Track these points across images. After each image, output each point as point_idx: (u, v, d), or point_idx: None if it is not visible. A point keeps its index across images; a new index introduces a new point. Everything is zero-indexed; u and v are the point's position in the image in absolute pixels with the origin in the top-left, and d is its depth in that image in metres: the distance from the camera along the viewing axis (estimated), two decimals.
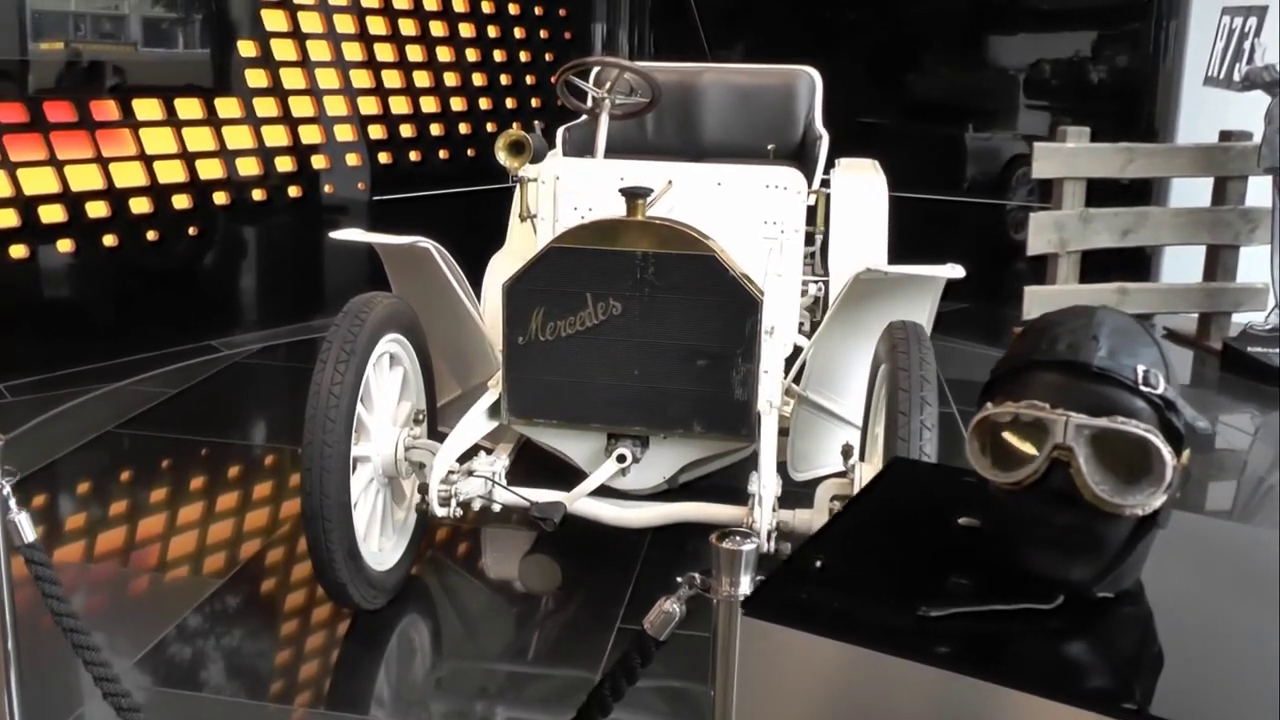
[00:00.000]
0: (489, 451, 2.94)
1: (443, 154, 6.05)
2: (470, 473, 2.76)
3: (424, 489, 2.68)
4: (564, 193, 3.10)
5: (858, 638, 1.08)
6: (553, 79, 3.60)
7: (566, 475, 2.87)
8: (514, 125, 3.63)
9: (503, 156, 3.22)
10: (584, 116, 3.84)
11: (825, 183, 3.79)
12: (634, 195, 2.69)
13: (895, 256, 3.67)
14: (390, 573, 2.83)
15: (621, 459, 2.74)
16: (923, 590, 1.18)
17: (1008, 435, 1.23)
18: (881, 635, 1.09)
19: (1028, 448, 1.21)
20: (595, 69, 3.68)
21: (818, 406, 3.05)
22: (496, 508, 2.78)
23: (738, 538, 1.64)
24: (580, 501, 2.72)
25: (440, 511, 2.67)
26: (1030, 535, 1.21)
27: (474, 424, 2.78)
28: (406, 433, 2.80)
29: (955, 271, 2.81)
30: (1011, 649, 1.14)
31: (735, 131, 4.09)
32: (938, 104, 6.67)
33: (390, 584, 2.82)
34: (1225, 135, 5.29)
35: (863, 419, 2.84)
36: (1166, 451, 1.18)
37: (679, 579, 1.68)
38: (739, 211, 3.01)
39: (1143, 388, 1.21)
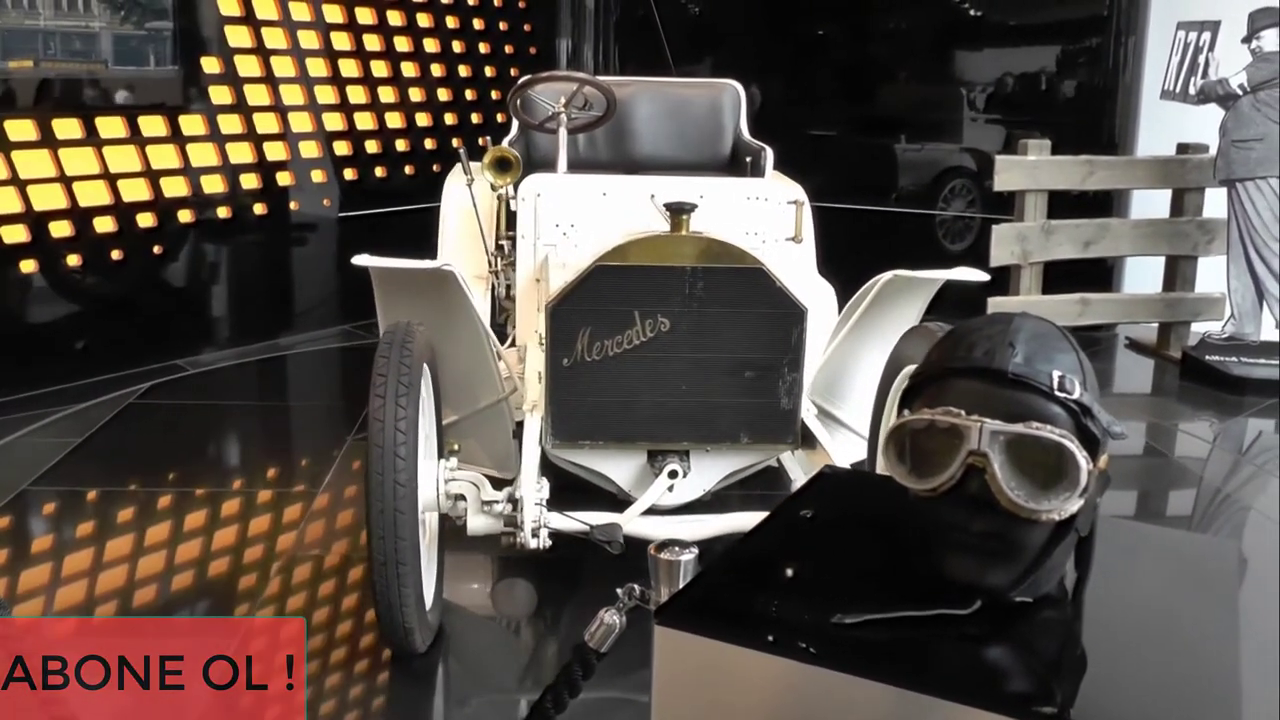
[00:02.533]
0: (509, 481, 2.85)
1: (408, 170, 6.05)
2: (514, 501, 2.68)
3: (512, 522, 2.60)
4: (545, 210, 3.10)
5: (771, 645, 1.08)
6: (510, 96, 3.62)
7: (592, 495, 2.84)
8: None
9: (490, 174, 3.21)
10: (515, 131, 3.86)
11: None
12: (679, 210, 2.68)
13: (840, 268, 3.73)
14: (434, 611, 2.74)
15: (674, 475, 2.73)
16: (841, 597, 1.19)
17: (926, 442, 1.24)
18: (795, 642, 1.10)
19: (945, 454, 1.22)
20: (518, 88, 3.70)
21: (822, 412, 3.08)
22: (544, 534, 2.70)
23: (676, 548, 1.66)
24: (635, 521, 2.69)
25: (532, 544, 2.61)
26: (948, 541, 1.22)
27: (535, 452, 2.71)
28: (444, 465, 2.71)
29: (979, 275, 2.91)
30: (928, 655, 1.15)
31: (666, 144, 4.10)
32: (892, 118, 6.75)
33: (435, 623, 2.74)
34: (1182, 148, 5.36)
35: (871, 423, 2.86)
36: (1081, 456, 1.20)
37: (619, 590, 1.69)
38: (723, 223, 3.01)
39: (1058, 393, 1.23)
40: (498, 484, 2.77)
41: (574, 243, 3.11)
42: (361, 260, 2.80)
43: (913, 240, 6.47)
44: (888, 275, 2.88)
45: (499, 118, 6.43)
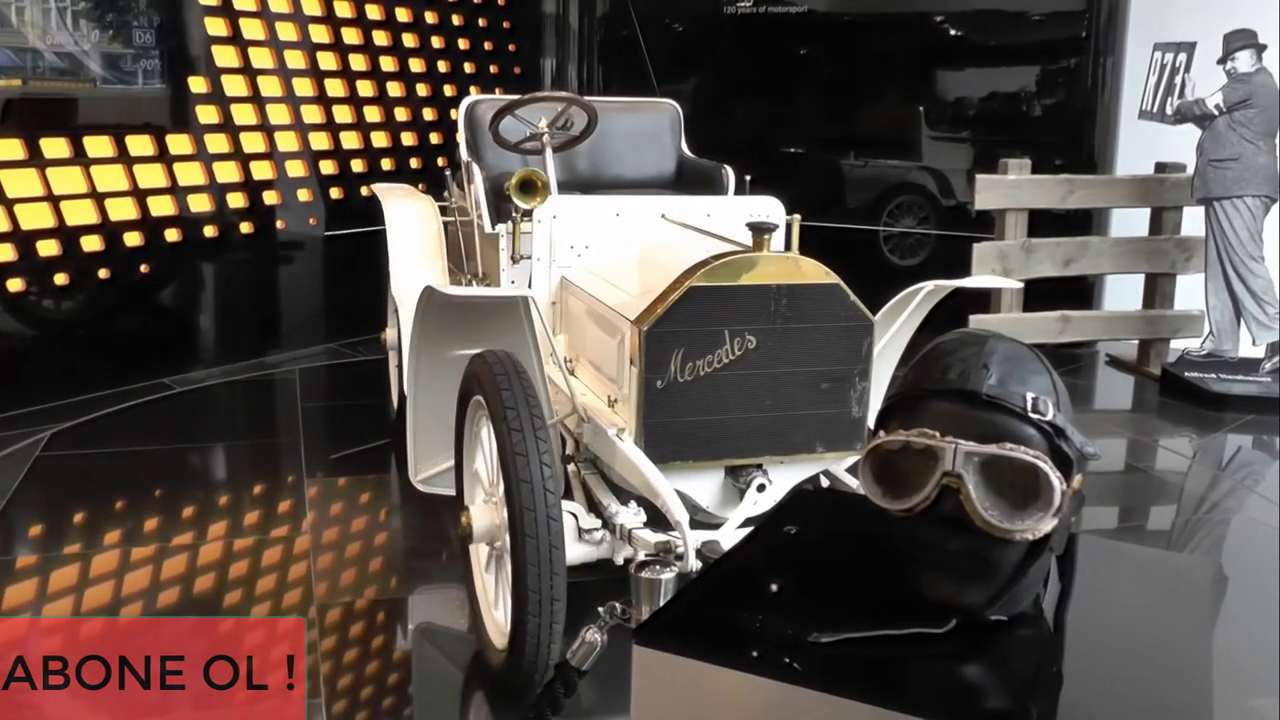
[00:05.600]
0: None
1: None
2: (611, 526, 2.67)
3: (664, 547, 2.54)
4: (561, 232, 3.12)
5: (748, 665, 1.10)
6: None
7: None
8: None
9: (517, 198, 3.23)
10: (463, 151, 3.92)
11: None
12: (761, 230, 2.71)
13: None
14: None
15: (761, 488, 2.74)
16: (817, 616, 1.21)
17: (902, 462, 1.27)
18: (772, 662, 1.11)
19: (921, 475, 1.25)
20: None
21: None
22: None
23: (657, 566, 1.69)
24: (732, 535, 2.66)
25: (692, 566, 2.53)
26: (924, 560, 1.25)
27: (658, 473, 2.64)
28: None
29: (1015, 283, 3.20)
30: (904, 673, 1.17)
31: (616, 163, 4.13)
32: (867, 137, 6.81)
33: None
34: (1160, 167, 5.43)
35: None
36: (1055, 477, 1.23)
37: (600, 608, 1.72)
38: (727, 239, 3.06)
39: (1032, 415, 1.25)
40: None
41: (587, 264, 3.13)
42: (444, 291, 2.82)
43: (877, 256, 6.59)
44: (929, 285, 2.95)
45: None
